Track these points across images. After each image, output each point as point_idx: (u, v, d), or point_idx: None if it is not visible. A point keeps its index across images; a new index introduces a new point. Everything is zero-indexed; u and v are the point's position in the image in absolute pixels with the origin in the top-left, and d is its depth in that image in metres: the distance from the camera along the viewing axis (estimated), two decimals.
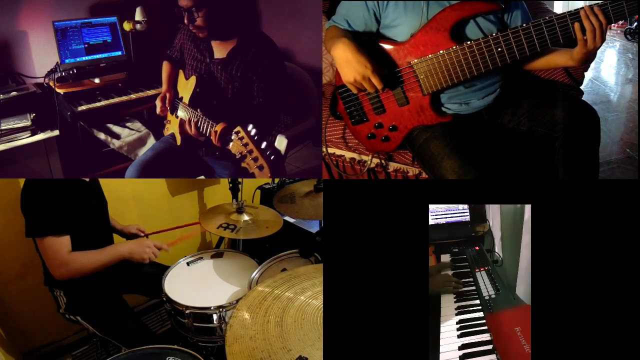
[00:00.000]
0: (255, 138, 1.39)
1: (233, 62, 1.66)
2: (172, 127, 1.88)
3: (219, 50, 1.70)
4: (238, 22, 1.66)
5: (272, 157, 1.39)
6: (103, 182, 1.82)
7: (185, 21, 1.61)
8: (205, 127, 1.62)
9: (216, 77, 1.70)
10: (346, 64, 1.37)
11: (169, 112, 1.88)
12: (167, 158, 1.81)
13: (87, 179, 1.67)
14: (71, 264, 1.49)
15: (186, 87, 1.78)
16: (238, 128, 1.41)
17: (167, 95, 1.85)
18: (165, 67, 1.93)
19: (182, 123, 1.77)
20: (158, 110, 1.87)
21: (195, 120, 1.66)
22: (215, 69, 1.70)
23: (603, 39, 1.28)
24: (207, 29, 1.62)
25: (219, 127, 1.54)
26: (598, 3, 1.27)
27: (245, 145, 1.39)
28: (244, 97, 1.67)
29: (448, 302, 1.19)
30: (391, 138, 1.56)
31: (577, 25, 1.28)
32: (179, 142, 1.80)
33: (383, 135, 1.56)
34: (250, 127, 1.39)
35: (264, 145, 1.38)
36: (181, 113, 1.78)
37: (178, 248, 2.48)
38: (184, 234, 1.94)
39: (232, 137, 1.40)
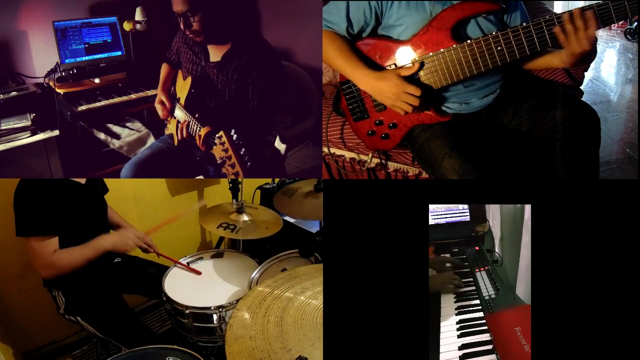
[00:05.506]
0: (237, 143, 1.40)
1: (229, 65, 1.65)
2: (171, 128, 1.88)
3: (215, 54, 1.70)
4: (234, 25, 1.66)
5: (249, 165, 1.41)
6: None
7: (182, 26, 1.60)
8: (194, 130, 1.62)
9: (213, 79, 1.70)
10: (377, 94, 1.43)
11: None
12: (163, 158, 1.80)
13: (83, 182, 1.67)
14: (56, 264, 1.50)
15: (183, 88, 1.78)
16: (220, 133, 1.43)
17: (162, 98, 1.84)
18: (163, 69, 1.92)
19: (177, 124, 1.77)
20: (160, 114, 1.87)
21: (187, 122, 1.65)
22: (212, 72, 1.69)
23: (589, 43, 1.25)
24: (204, 33, 1.61)
25: (203, 131, 1.54)
26: (582, 7, 1.25)
27: (226, 150, 1.41)
28: (241, 100, 1.67)
29: (448, 302, 1.19)
30: (391, 136, 1.56)
31: (557, 28, 1.27)
32: (176, 143, 1.81)
33: (383, 133, 1.56)
34: (232, 132, 1.41)
35: (242, 151, 1.40)
36: (178, 113, 1.78)
37: (178, 248, 2.49)
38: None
39: (215, 142, 1.40)
